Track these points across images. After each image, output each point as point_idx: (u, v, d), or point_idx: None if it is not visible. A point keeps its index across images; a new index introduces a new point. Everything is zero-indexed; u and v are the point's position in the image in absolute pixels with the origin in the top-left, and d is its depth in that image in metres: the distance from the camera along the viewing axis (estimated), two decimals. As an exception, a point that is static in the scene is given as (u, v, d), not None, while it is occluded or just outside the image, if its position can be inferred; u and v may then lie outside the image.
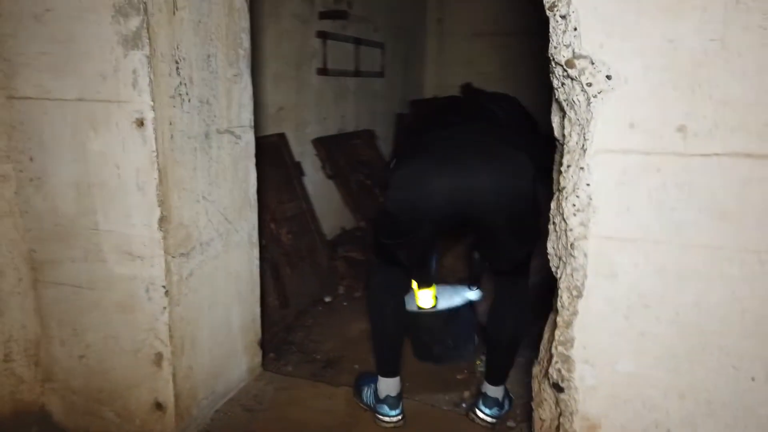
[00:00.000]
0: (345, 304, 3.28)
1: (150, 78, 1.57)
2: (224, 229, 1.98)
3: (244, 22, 1.98)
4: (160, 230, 1.68)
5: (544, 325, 1.65)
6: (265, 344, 2.38)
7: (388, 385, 1.98)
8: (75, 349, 1.86)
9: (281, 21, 3.23)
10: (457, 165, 1.67)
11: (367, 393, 2.08)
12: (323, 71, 3.75)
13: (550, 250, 1.55)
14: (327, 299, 3.25)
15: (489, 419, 1.98)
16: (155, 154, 1.62)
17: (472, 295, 2.30)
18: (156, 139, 1.61)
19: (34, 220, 1.81)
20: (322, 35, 3.70)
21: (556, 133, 1.55)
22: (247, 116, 2.06)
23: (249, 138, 2.08)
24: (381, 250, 1.96)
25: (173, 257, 1.72)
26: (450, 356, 2.32)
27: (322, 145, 3.86)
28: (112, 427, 1.88)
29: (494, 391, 2.00)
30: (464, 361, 2.32)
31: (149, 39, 1.55)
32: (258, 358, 2.31)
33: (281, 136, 3.33)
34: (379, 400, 2.00)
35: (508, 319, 1.94)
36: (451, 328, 2.31)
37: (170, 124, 1.66)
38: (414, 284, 2.09)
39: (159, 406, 1.81)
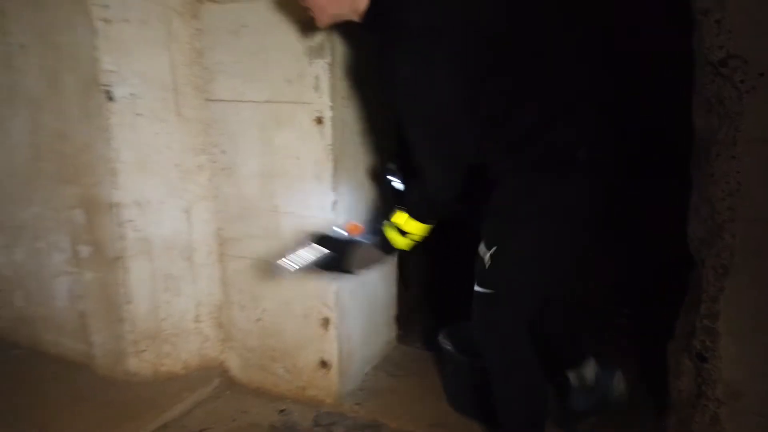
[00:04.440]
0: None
1: (330, 82, 1.85)
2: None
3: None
4: (333, 212, 1.96)
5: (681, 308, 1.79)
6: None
7: None
8: (252, 313, 2.19)
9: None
10: None
11: None
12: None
13: (690, 233, 1.69)
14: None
15: None
16: (330, 147, 1.90)
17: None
18: (333, 134, 1.89)
19: (223, 204, 2.14)
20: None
21: (698, 125, 1.67)
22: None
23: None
24: (522, 302, 1.59)
25: (341, 236, 2.00)
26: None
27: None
28: (282, 381, 2.20)
29: None
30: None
31: (331, 49, 1.83)
32: (394, 333, 2.57)
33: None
34: None
35: None
36: None
37: (342, 121, 1.94)
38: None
39: (324, 364, 2.10)
